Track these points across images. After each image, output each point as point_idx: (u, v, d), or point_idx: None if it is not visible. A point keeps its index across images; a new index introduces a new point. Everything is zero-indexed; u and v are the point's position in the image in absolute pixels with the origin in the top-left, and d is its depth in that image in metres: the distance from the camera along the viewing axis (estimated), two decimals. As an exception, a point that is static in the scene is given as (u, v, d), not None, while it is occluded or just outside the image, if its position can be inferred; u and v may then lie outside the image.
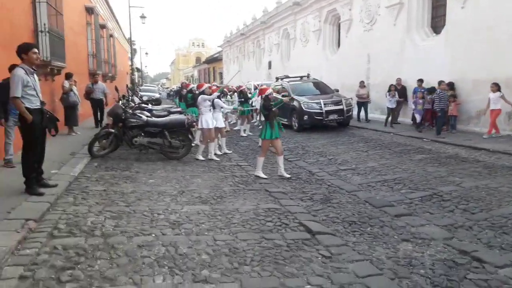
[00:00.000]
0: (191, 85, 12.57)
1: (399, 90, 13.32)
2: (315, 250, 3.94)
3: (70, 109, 10.25)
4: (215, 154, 8.44)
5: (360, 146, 10.06)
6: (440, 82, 10.78)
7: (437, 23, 13.00)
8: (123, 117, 7.81)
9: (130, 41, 30.81)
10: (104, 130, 8.24)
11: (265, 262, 3.57)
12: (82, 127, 11.61)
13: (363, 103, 14.87)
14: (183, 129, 7.90)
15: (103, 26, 21.52)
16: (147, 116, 8.12)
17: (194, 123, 8.08)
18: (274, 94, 7.14)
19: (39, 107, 4.82)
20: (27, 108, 4.68)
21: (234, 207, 5.17)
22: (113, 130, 7.84)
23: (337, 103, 13.09)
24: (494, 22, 10.00)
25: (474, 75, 10.66)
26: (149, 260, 3.49)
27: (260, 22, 28.50)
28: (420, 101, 11.57)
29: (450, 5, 11.60)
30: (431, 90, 11.35)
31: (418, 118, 11.83)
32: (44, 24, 8.96)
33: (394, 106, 13.17)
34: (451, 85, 11.16)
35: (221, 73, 46.04)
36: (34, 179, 5.01)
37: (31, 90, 4.68)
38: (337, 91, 14.73)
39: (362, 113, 14.93)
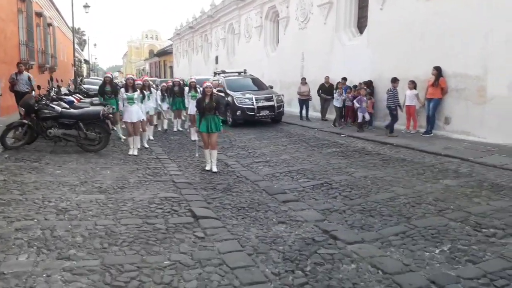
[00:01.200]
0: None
1: (327, 88, 13.92)
2: (191, 232, 4.28)
3: (-14, 100, 9.94)
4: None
5: (283, 141, 10.54)
6: (394, 79, 10.38)
7: (362, 23, 13.74)
8: (36, 108, 7.78)
9: (73, 31, 29.82)
10: (17, 121, 8.15)
11: (135, 243, 3.86)
12: (8, 120, 11.25)
13: (304, 101, 14.44)
14: (98, 121, 7.98)
15: (39, 14, 20.75)
16: (63, 108, 8.12)
17: (110, 115, 8.18)
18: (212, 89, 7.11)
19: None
20: None
21: (131, 196, 5.41)
22: (26, 121, 7.79)
23: (269, 99, 13.55)
24: (408, 24, 10.76)
25: (390, 73, 11.38)
26: (20, 241, 3.68)
27: (207, 16, 28.58)
28: (364, 98, 11.23)
29: (371, 6, 12.34)
30: (353, 88, 12.08)
31: (361, 117, 11.28)
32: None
33: (341, 105, 12.56)
34: (368, 84, 11.93)
35: (171, 67, 45.55)
36: None
37: None
38: (271, 87, 15.18)
39: (305, 111, 14.53)
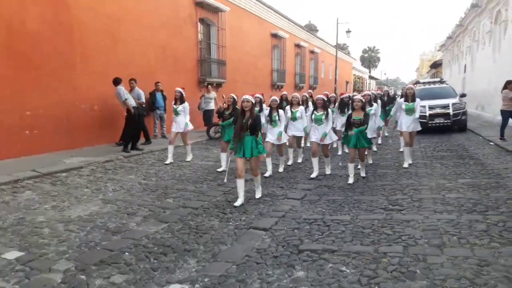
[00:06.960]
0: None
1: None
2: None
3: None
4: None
5: (428, 150, 11.07)
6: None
7: None
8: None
9: (336, 51, 34.92)
10: (214, 122, 13.03)
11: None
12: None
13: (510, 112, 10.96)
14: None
15: (297, 45, 26.66)
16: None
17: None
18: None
19: (135, 105, 9.82)
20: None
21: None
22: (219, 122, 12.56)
23: (445, 107, 13.64)
24: None
25: None
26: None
27: (459, 26, 27.55)
28: None
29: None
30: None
31: None
32: (204, 55, 14.75)
33: None
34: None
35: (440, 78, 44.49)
36: (130, 144, 9.77)
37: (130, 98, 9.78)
38: (463, 95, 14.78)
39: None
